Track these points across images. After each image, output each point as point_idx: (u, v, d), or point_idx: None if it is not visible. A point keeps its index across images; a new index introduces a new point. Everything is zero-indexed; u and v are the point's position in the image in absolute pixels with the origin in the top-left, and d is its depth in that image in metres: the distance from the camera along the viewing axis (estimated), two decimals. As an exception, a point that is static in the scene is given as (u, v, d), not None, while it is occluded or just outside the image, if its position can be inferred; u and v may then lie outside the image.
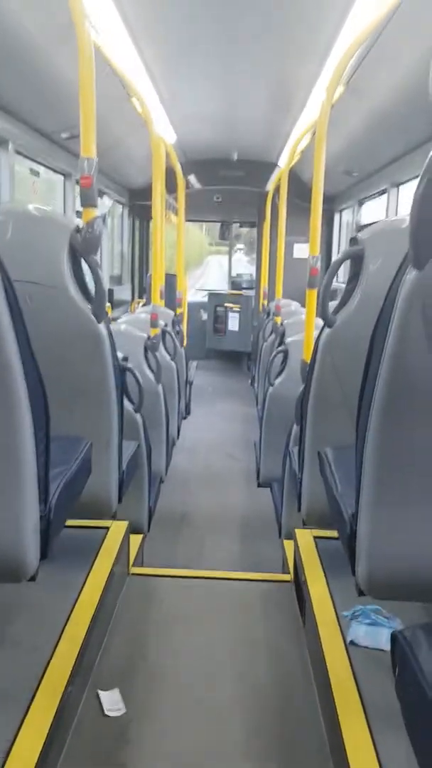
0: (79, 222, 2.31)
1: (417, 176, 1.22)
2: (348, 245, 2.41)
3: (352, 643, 2.09)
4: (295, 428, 3.00)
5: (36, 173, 5.07)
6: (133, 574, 2.92)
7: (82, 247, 2.23)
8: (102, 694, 2.11)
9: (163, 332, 4.60)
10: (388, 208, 5.75)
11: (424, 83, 1.93)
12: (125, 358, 2.87)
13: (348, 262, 2.38)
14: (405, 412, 1.36)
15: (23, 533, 1.45)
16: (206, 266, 29.83)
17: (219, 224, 11.29)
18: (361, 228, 2.57)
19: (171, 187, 6.63)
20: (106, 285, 7.64)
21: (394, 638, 1.15)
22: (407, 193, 5.59)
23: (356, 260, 2.31)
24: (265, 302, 7.76)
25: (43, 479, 1.52)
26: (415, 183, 1.20)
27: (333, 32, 3.53)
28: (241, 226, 12.08)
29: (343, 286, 2.40)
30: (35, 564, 1.52)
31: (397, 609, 2.23)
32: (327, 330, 2.41)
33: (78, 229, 2.23)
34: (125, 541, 2.81)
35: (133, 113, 4.90)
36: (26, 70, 3.53)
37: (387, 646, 2.01)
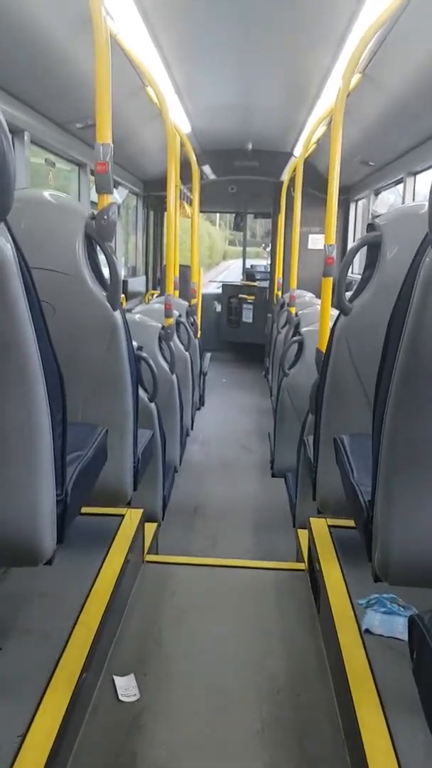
0: (94, 210, 2.31)
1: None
2: (365, 233, 2.39)
3: (367, 631, 2.08)
4: (310, 417, 2.99)
5: (52, 164, 5.07)
6: (147, 561, 2.93)
7: (97, 234, 2.22)
8: (117, 679, 2.12)
9: (178, 322, 4.60)
10: (405, 197, 5.70)
11: None
12: (140, 348, 2.88)
13: (365, 250, 2.36)
14: (422, 398, 1.35)
15: (40, 516, 1.46)
16: (224, 272, 21.69)
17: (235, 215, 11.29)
18: (376, 217, 2.55)
19: (186, 177, 6.61)
20: (121, 275, 7.66)
21: (411, 622, 1.14)
22: (425, 181, 5.54)
23: (373, 247, 2.29)
24: (280, 293, 7.73)
25: (59, 463, 1.53)
26: None
27: (348, 20, 3.49)
28: (255, 217, 12.03)
29: (358, 277, 2.39)
30: (52, 548, 1.52)
31: (412, 597, 2.22)
32: (343, 318, 2.40)
33: (93, 216, 2.23)
34: (140, 529, 2.82)
35: (148, 103, 4.89)
36: (41, 60, 3.52)
37: (402, 635, 2.01)
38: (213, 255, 25.23)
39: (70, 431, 1.61)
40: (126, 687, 2.10)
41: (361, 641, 2.03)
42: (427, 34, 3.34)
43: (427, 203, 1.24)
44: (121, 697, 2.06)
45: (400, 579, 1.52)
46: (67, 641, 1.98)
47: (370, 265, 2.32)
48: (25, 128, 4.04)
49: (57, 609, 2.16)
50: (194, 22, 3.86)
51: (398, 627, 2.07)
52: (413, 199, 5.56)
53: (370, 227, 2.33)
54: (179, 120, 6.01)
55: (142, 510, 2.89)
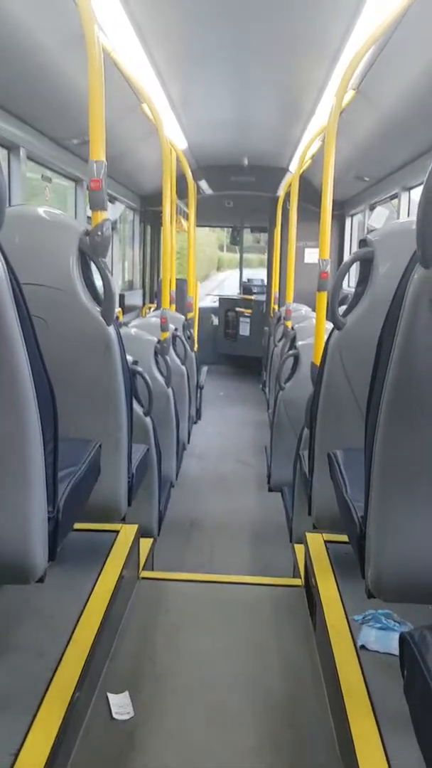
0: (89, 225, 2.32)
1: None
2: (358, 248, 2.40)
3: (362, 647, 2.07)
4: (306, 431, 2.99)
5: (48, 179, 5.10)
6: (142, 578, 2.92)
7: (91, 250, 2.23)
8: (111, 696, 2.10)
9: (174, 336, 4.61)
10: (399, 212, 5.73)
11: None
12: (135, 362, 2.87)
13: (358, 264, 2.37)
14: (413, 412, 1.35)
15: (31, 534, 1.45)
16: (217, 284, 19.04)
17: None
18: (370, 232, 2.58)
19: (182, 192, 6.65)
20: (118, 290, 7.68)
21: (402, 639, 1.14)
22: (418, 196, 5.57)
23: (366, 262, 2.30)
24: (276, 307, 7.76)
25: (51, 480, 1.52)
26: None
27: (342, 38, 3.53)
28: (252, 231, 12.09)
29: (353, 290, 2.40)
30: (43, 565, 1.51)
31: (408, 613, 2.21)
32: (336, 332, 2.40)
33: (87, 232, 2.24)
34: (135, 545, 2.81)
35: (144, 120, 4.92)
36: (37, 76, 3.55)
37: (397, 651, 2.00)
38: (204, 265, 19.27)
39: (63, 446, 1.60)
40: (120, 705, 2.08)
41: (356, 657, 2.02)
42: (419, 51, 3.38)
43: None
44: (115, 715, 2.04)
45: (393, 595, 1.51)
46: (61, 659, 1.96)
47: (363, 280, 2.33)
48: (21, 144, 4.07)
49: (50, 626, 2.14)
50: (189, 39, 3.90)
51: (393, 643, 2.05)
52: (408, 214, 5.60)
53: (363, 243, 2.34)
54: (175, 136, 6.05)
55: (137, 525, 2.88)
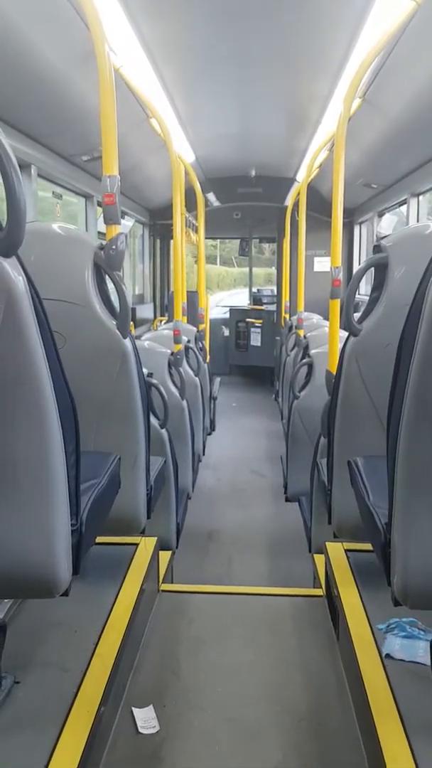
0: (102, 240, 2.34)
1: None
2: (370, 254, 2.40)
3: (388, 656, 2.05)
4: (323, 440, 2.97)
5: (59, 196, 5.15)
6: (163, 590, 2.91)
7: (106, 264, 2.25)
8: (136, 711, 2.09)
9: (186, 348, 4.61)
10: (409, 218, 5.73)
11: None
12: (150, 374, 2.88)
13: (372, 270, 2.37)
14: None
15: (55, 547, 1.45)
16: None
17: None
18: (382, 238, 2.58)
19: (191, 205, 6.69)
20: (130, 303, 7.71)
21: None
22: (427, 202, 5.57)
23: (380, 268, 2.30)
24: (287, 316, 7.76)
25: (74, 492, 1.53)
26: None
27: (346, 48, 3.55)
28: (260, 242, 12.12)
29: (366, 298, 2.39)
30: (68, 578, 1.51)
31: (433, 621, 2.19)
32: (352, 339, 2.40)
33: (101, 247, 2.26)
34: (155, 558, 2.80)
35: (152, 134, 4.96)
36: (47, 94, 3.60)
37: (424, 659, 1.98)
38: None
39: (84, 460, 1.61)
40: (145, 719, 2.07)
41: (382, 667, 2.00)
42: (425, 57, 3.39)
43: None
44: (140, 729, 2.03)
45: (420, 602, 1.50)
46: (85, 673, 1.96)
47: (378, 286, 2.33)
48: (32, 162, 4.11)
49: (74, 641, 2.14)
50: (195, 53, 3.94)
51: (419, 651, 2.03)
52: (417, 220, 5.60)
53: (376, 249, 2.34)
54: (183, 149, 6.10)
55: (156, 538, 2.87)
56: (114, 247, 2.22)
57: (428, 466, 1.38)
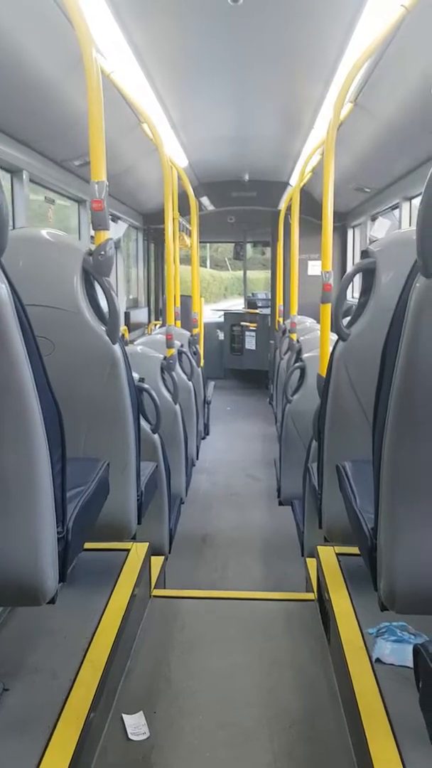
0: (92, 245, 2.34)
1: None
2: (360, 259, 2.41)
3: (378, 660, 2.05)
4: (314, 444, 2.98)
5: (51, 201, 5.15)
6: (154, 596, 2.90)
7: (95, 270, 2.25)
8: (126, 717, 2.09)
9: (180, 352, 4.62)
10: (401, 221, 5.75)
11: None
12: (141, 379, 2.88)
13: (360, 275, 2.38)
14: (420, 421, 1.34)
15: (41, 555, 1.45)
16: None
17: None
18: (372, 242, 2.59)
19: (184, 209, 6.69)
20: (123, 308, 7.71)
21: (416, 652, 1.13)
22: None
23: (368, 273, 2.31)
24: (281, 320, 7.77)
25: (59, 500, 1.52)
26: None
27: (338, 52, 3.57)
28: (254, 246, 12.14)
29: (356, 302, 2.40)
30: (54, 586, 1.51)
31: (423, 624, 2.19)
32: (341, 343, 2.40)
33: (90, 252, 2.26)
34: (146, 563, 2.80)
35: (144, 139, 4.97)
36: (38, 99, 3.60)
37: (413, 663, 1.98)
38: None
39: (71, 466, 1.60)
40: (135, 725, 2.07)
41: (372, 671, 2.00)
42: (415, 62, 3.40)
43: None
44: (130, 736, 2.02)
45: (406, 607, 1.50)
46: (75, 679, 1.95)
47: (366, 290, 2.33)
48: (23, 167, 4.12)
49: (64, 647, 2.13)
50: (187, 58, 3.95)
51: (409, 655, 2.03)
52: (409, 224, 5.61)
53: (364, 254, 2.35)
54: (176, 154, 6.10)
55: (147, 544, 2.87)
56: (103, 252, 2.21)
57: (413, 469, 1.38)
